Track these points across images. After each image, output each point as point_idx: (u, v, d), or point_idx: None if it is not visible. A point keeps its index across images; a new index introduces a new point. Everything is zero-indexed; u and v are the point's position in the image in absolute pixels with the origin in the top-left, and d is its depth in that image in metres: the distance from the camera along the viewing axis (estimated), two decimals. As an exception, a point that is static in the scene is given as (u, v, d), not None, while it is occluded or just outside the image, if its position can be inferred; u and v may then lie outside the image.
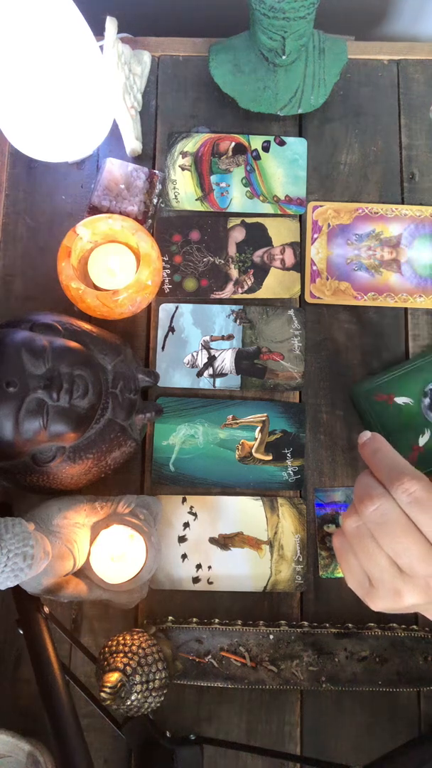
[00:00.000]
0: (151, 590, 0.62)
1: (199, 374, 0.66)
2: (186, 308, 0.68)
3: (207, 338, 0.67)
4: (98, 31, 0.62)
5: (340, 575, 0.63)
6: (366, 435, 0.46)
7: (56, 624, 0.57)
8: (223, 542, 0.63)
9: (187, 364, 0.67)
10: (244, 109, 0.69)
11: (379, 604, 0.41)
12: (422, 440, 0.62)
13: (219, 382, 0.66)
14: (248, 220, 0.69)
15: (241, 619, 0.61)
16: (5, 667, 0.62)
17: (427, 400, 0.62)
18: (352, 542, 0.42)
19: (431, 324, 0.68)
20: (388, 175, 0.70)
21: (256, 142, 0.71)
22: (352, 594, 0.62)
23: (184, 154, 0.70)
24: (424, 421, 0.63)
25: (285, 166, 0.70)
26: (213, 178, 0.70)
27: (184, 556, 0.63)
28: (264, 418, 0.65)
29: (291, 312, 0.67)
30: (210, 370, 0.66)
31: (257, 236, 0.69)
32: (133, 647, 0.53)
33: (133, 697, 0.51)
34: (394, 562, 0.39)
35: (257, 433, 0.65)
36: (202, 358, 0.67)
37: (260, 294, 0.68)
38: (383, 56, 0.73)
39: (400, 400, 0.63)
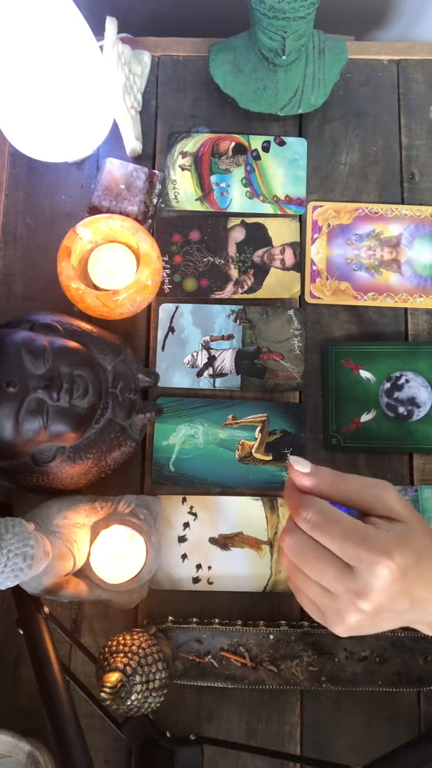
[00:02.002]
0: (151, 590, 0.62)
1: (199, 374, 0.66)
2: (186, 308, 0.68)
3: (207, 338, 0.67)
4: (98, 31, 0.62)
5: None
6: (294, 460, 0.46)
7: (56, 624, 0.57)
8: (223, 542, 0.63)
9: (187, 364, 0.67)
10: (244, 109, 0.69)
11: (336, 629, 0.43)
12: (365, 417, 0.64)
13: (219, 382, 0.66)
14: (248, 220, 0.69)
15: (241, 619, 0.61)
16: (5, 667, 0.62)
17: (387, 384, 0.64)
18: (291, 577, 0.44)
19: (431, 324, 0.68)
20: (388, 175, 0.70)
21: (256, 142, 0.71)
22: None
23: (184, 154, 0.70)
24: (375, 401, 0.64)
25: (285, 166, 0.70)
26: (213, 178, 0.70)
27: (184, 556, 0.63)
28: (264, 418, 0.65)
29: (291, 312, 0.67)
30: (210, 370, 0.66)
31: (257, 236, 0.69)
32: (133, 647, 0.53)
33: (133, 697, 0.51)
34: (322, 586, 0.42)
35: (257, 433, 0.65)
36: (202, 358, 0.67)
37: (260, 294, 0.68)
38: (383, 56, 0.73)
39: (364, 373, 0.65)
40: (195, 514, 0.64)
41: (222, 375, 0.66)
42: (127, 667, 0.51)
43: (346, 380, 0.65)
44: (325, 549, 0.41)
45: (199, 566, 0.63)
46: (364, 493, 0.43)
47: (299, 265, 0.69)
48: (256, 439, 0.65)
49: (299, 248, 0.69)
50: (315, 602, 0.43)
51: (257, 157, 0.70)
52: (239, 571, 0.63)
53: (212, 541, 0.63)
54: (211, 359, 0.67)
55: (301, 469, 0.43)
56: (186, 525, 0.64)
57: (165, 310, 0.68)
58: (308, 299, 0.68)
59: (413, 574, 0.40)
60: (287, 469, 0.46)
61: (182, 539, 0.63)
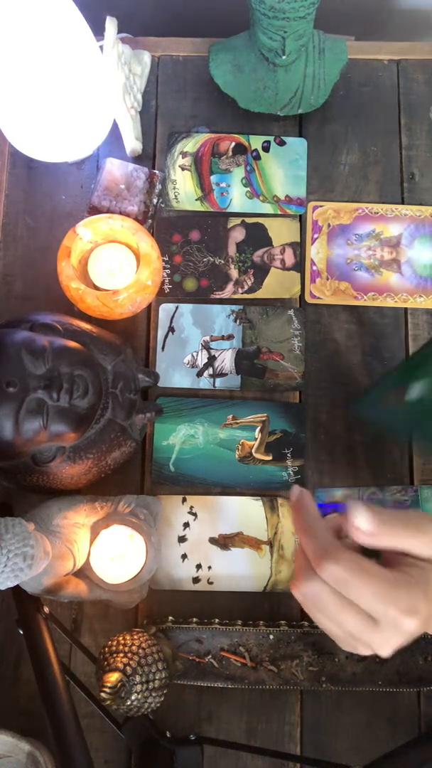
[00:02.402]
0: (151, 590, 0.62)
1: (199, 374, 0.66)
2: (186, 308, 0.68)
3: (207, 338, 0.67)
4: (98, 31, 0.62)
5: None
6: (295, 491, 0.44)
7: (56, 624, 0.57)
8: (223, 542, 0.63)
9: (187, 364, 0.67)
10: (244, 109, 0.69)
11: (367, 652, 0.42)
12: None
13: (219, 382, 0.66)
14: (248, 220, 0.69)
15: (241, 619, 0.61)
16: (5, 667, 0.62)
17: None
18: (308, 610, 0.42)
19: (431, 324, 0.68)
20: (388, 175, 0.70)
21: (256, 142, 0.71)
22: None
23: (184, 154, 0.70)
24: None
25: (285, 166, 0.70)
26: (213, 178, 0.70)
27: (184, 556, 0.63)
28: (264, 418, 0.65)
29: (291, 312, 0.67)
30: (210, 370, 0.66)
31: (257, 236, 0.69)
32: (133, 647, 0.53)
33: (133, 697, 0.51)
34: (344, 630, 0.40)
35: (257, 433, 0.65)
36: (202, 358, 0.67)
37: (260, 294, 0.68)
38: (383, 56, 0.73)
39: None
40: (195, 514, 0.64)
41: (222, 375, 0.66)
42: (127, 667, 0.51)
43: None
44: (349, 602, 0.39)
45: (199, 566, 0.63)
46: (408, 539, 0.40)
47: (299, 265, 0.69)
48: (256, 439, 0.65)
49: (299, 248, 0.69)
50: (332, 633, 0.42)
51: (257, 157, 0.70)
52: (239, 571, 0.63)
53: (212, 541, 0.63)
54: (211, 359, 0.67)
55: (362, 526, 0.40)
56: (186, 525, 0.64)
57: (165, 310, 0.68)
58: (308, 299, 0.68)
59: None
60: (291, 492, 0.43)
61: (182, 539, 0.63)
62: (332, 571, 0.39)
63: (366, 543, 0.40)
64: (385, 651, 0.40)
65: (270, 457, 0.65)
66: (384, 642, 0.39)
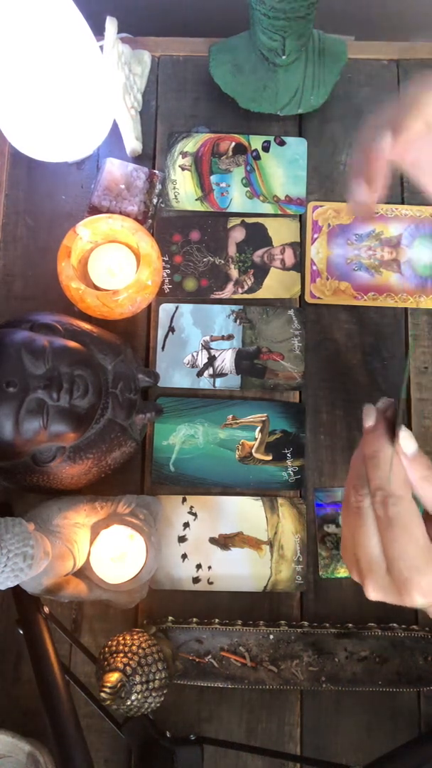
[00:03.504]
0: (151, 590, 0.62)
1: (199, 374, 0.66)
2: (186, 308, 0.68)
3: (207, 338, 0.67)
4: (98, 31, 0.62)
5: (340, 575, 0.63)
6: (369, 414, 0.43)
7: (56, 624, 0.57)
8: (223, 542, 0.63)
9: (187, 364, 0.67)
10: (244, 109, 0.69)
11: (372, 594, 0.42)
12: None
13: (219, 382, 0.66)
14: (248, 220, 0.69)
15: (241, 619, 0.61)
16: (5, 667, 0.62)
17: None
18: (343, 515, 0.43)
19: (431, 324, 0.68)
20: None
21: (256, 142, 0.71)
22: (352, 594, 0.63)
23: (184, 154, 0.70)
24: None
25: (285, 166, 0.70)
26: (213, 178, 0.70)
27: (184, 556, 0.63)
28: (264, 418, 0.65)
29: (291, 312, 0.67)
30: (210, 370, 0.66)
31: (257, 236, 0.69)
32: (133, 647, 0.53)
33: (133, 697, 0.51)
34: (385, 555, 0.40)
35: (257, 433, 0.65)
36: (202, 358, 0.67)
37: (260, 294, 0.68)
38: (383, 56, 0.73)
39: None
40: (195, 514, 0.64)
41: (222, 375, 0.66)
42: (127, 667, 0.51)
43: None
44: (379, 541, 0.39)
45: (199, 566, 0.63)
46: None
47: (299, 265, 0.69)
48: (256, 439, 0.65)
49: (299, 248, 0.69)
50: (344, 543, 0.42)
51: (257, 157, 0.70)
52: (239, 571, 0.63)
53: (212, 541, 0.63)
54: (211, 359, 0.67)
55: (405, 447, 0.40)
56: (186, 525, 0.64)
57: (165, 310, 0.68)
58: (308, 299, 0.68)
59: None
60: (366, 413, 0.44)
61: (182, 539, 0.63)
62: (390, 511, 0.39)
63: (406, 467, 0.40)
64: (372, 596, 0.40)
65: (270, 457, 0.65)
66: (378, 589, 0.40)
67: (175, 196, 0.70)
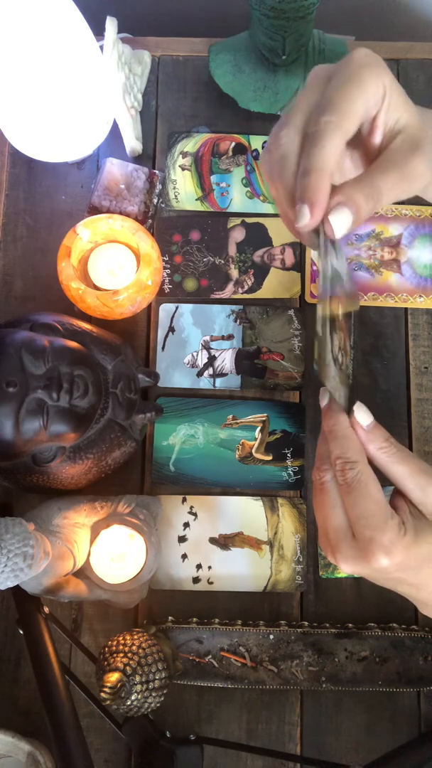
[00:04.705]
0: (151, 590, 0.62)
1: (199, 374, 0.66)
2: (186, 308, 0.68)
3: (207, 338, 0.67)
4: (98, 31, 0.62)
5: (340, 575, 0.63)
6: (323, 396, 0.44)
7: (56, 624, 0.57)
8: (223, 542, 0.63)
9: (187, 364, 0.67)
10: (244, 109, 0.69)
11: (343, 565, 0.42)
12: None
13: (219, 382, 0.66)
14: (248, 220, 0.69)
15: (241, 619, 0.61)
16: (5, 667, 0.62)
17: None
18: (313, 495, 0.44)
19: (431, 324, 0.68)
20: (388, 175, 0.70)
21: (256, 142, 0.71)
22: (352, 594, 0.63)
23: (184, 154, 0.70)
24: None
25: (285, 166, 0.70)
26: (213, 178, 0.70)
27: (184, 556, 0.63)
28: (264, 418, 0.65)
29: (291, 312, 0.67)
30: (210, 370, 0.66)
31: (257, 236, 0.69)
32: (133, 647, 0.53)
33: (133, 697, 0.51)
34: (349, 521, 0.41)
35: (257, 433, 0.65)
36: (202, 358, 0.67)
37: (260, 294, 0.68)
38: (383, 56, 0.72)
39: None
40: (195, 514, 0.64)
41: (222, 375, 0.66)
42: (127, 667, 0.51)
43: None
44: (342, 508, 0.41)
45: (199, 566, 0.63)
46: (408, 477, 0.42)
47: (299, 265, 0.69)
48: (256, 439, 0.65)
49: (299, 248, 0.69)
50: (318, 525, 0.43)
51: (257, 157, 0.70)
52: (239, 571, 0.63)
53: (212, 541, 0.63)
54: (211, 359, 0.67)
55: (361, 420, 0.42)
56: (186, 525, 0.64)
57: (165, 310, 0.68)
58: (308, 299, 0.68)
59: (410, 575, 0.41)
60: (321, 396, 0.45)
61: (182, 539, 0.63)
62: (348, 475, 0.40)
63: (360, 438, 0.42)
64: (344, 567, 0.41)
65: (270, 457, 0.65)
66: (348, 559, 0.41)
67: (175, 196, 0.70)
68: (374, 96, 0.39)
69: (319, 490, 0.42)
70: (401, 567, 0.40)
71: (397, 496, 0.43)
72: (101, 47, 0.64)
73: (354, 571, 0.41)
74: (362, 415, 0.42)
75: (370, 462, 0.42)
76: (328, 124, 0.37)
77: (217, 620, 0.61)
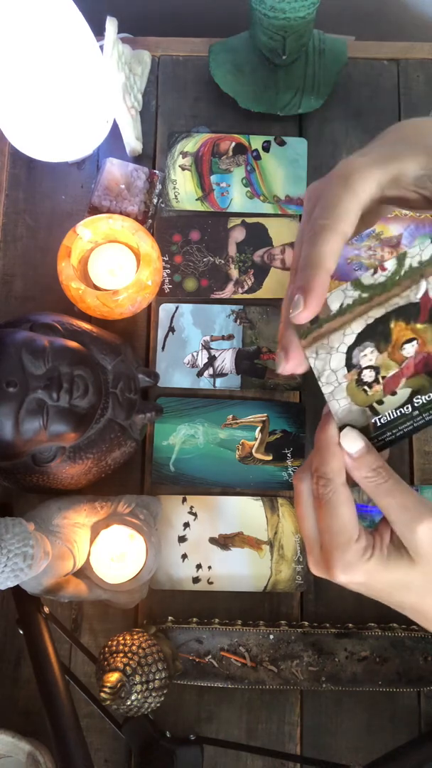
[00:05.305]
0: (151, 590, 0.62)
1: (199, 374, 0.66)
2: (186, 308, 0.68)
3: (207, 338, 0.67)
4: (98, 31, 0.62)
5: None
6: (344, 435, 0.43)
7: (56, 624, 0.57)
8: (223, 542, 0.63)
9: (187, 364, 0.67)
10: (244, 109, 0.69)
11: (312, 568, 0.43)
12: None
13: (219, 382, 0.66)
14: (248, 220, 0.69)
15: (241, 619, 0.61)
16: (5, 667, 0.62)
17: None
18: (294, 500, 0.45)
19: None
20: (388, 175, 0.70)
21: (256, 142, 0.71)
22: (352, 594, 0.62)
23: (184, 154, 0.70)
24: None
25: (285, 166, 0.70)
26: (213, 178, 0.70)
27: (184, 556, 0.63)
28: (264, 418, 0.65)
29: (291, 312, 0.67)
30: (210, 370, 0.66)
31: (257, 236, 0.69)
32: (133, 647, 0.53)
33: (133, 697, 0.51)
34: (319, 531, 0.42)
35: (257, 433, 0.65)
36: (202, 358, 0.67)
37: (260, 294, 0.68)
38: (383, 56, 0.73)
39: None
40: (195, 514, 0.64)
41: (222, 375, 0.66)
42: (127, 667, 0.51)
43: None
44: (314, 519, 0.41)
45: (199, 566, 0.63)
46: (393, 511, 0.40)
47: (299, 265, 0.69)
48: (256, 439, 0.65)
49: (299, 248, 0.69)
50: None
51: (257, 157, 0.70)
52: (239, 571, 0.63)
53: (212, 541, 0.63)
54: (211, 359, 0.67)
55: (347, 447, 0.41)
56: (186, 525, 0.64)
57: (165, 310, 0.68)
58: (308, 299, 0.68)
59: (384, 597, 0.41)
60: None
61: (182, 539, 0.63)
62: (321, 491, 0.41)
63: (347, 465, 0.41)
64: (313, 570, 0.42)
65: (270, 457, 0.65)
66: (314, 564, 0.42)
67: (175, 196, 0.70)
68: (367, 194, 0.39)
69: (297, 494, 0.43)
70: (368, 588, 0.40)
71: (384, 522, 0.42)
72: (101, 47, 0.64)
73: (320, 575, 0.42)
74: (349, 443, 0.41)
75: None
76: (323, 227, 0.38)
77: (217, 620, 0.61)
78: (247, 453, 0.65)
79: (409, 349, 0.39)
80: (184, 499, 0.64)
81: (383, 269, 0.38)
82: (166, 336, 0.67)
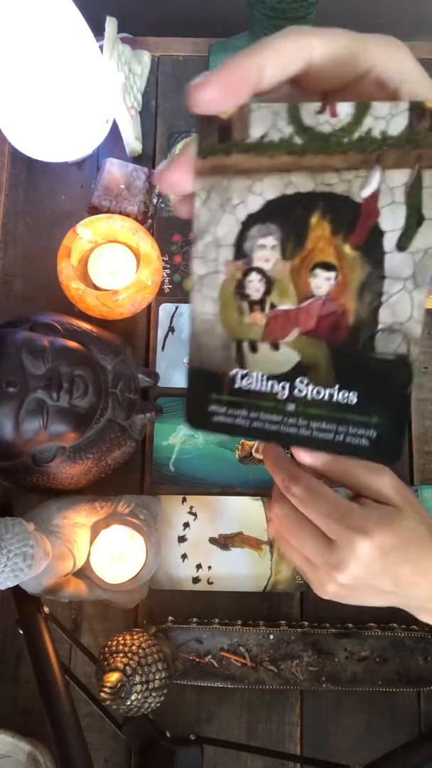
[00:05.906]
0: (151, 590, 0.62)
1: (199, 374, 0.66)
2: (186, 308, 0.68)
3: (207, 338, 0.67)
4: (98, 31, 0.62)
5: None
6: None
7: (56, 624, 0.57)
8: (223, 542, 0.63)
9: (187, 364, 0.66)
10: (244, 109, 0.69)
11: (318, 592, 0.44)
12: None
13: (219, 382, 0.66)
14: (248, 220, 0.69)
15: (241, 619, 0.61)
16: (5, 667, 0.62)
17: None
18: (278, 542, 0.46)
19: (431, 324, 0.68)
20: (388, 175, 0.70)
21: (256, 142, 0.71)
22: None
23: (184, 154, 0.70)
24: None
25: (285, 166, 0.70)
26: (213, 178, 0.70)
27: (184, 556, 0.63)
28: (264, 418, 0.65)
29: (291, 312, 0.67)
30: (210, 370, 0.66)
31: (257, 236, 0.69)
32: (133, 647, 0.53)
33: (133, 697, 0.51)
34: (305, 555, 0.43)
35: (257, 433, 0.65)
36: (202, 358, 0.66)
37: (260, 294, 0.68)
38: (383, 56, 0.72)
39: None
40: (195, 514, 0.64)
41: (222, 375, 0.66)
42: (127, 667, 0.51)
43: None
44: (310, 522, 0.42)
45: (199, 566, 0.63)
46: (359, 477, 0.43)
47: (299, 265, 0.69)
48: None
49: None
50: (300, 567, 0.45)
51: (257, 157, 0.70)
52: (239, 571, 0.63)
53: (212, 541, 0.63)
54: (211, 359, 0.66)
55: (306, 460, 0.43)
56: (186, 525, 0.64)
57: (165, 310, 0.68)
58: (308, 299, 0.68)
59: (396, 556, 0.40)
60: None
61: (182, 539, 0.63)
62: (293, 491, 0.42)
63: (306, 462, 0.42)
64: (342, 576, 0.41)
65: (270, 457, 0.65)
66: (339, 565, 0.41)
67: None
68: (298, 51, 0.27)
69: (283, 523, 0.44)
70: (384, 548, 0.40)
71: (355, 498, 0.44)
72: (101, 47, 0.64)
73: (349, 577, 0.41)
74: (306, 457, 0.42)
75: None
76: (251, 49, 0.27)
77: (217, 620, 0.61)
78: (246, 453, 0.65)
79: (321, 282, 0.25)
80: (184, 499, 0.64)
81: (333, 113, 0.24)
82: (166, 336, 0.67)
